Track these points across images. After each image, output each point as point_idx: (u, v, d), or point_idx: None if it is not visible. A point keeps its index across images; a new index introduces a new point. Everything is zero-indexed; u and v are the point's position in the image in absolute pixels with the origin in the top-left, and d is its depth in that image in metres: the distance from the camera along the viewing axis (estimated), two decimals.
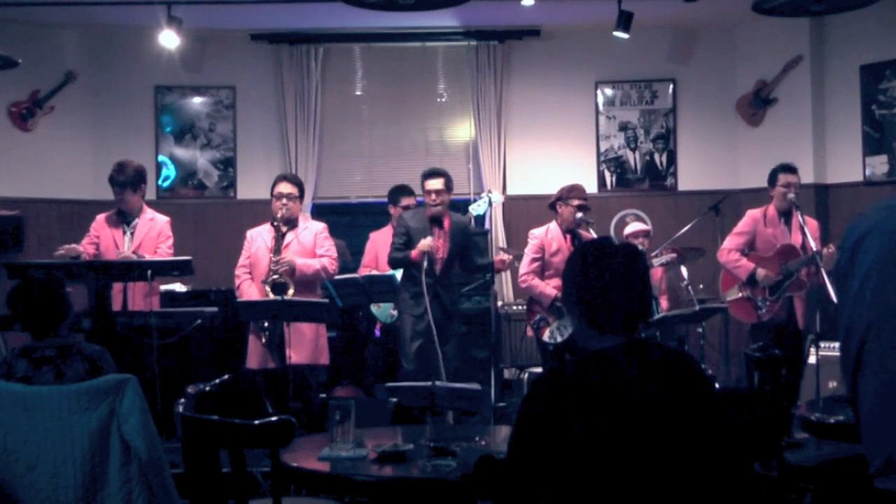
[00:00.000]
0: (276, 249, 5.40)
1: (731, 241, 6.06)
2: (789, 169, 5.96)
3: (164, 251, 5.56)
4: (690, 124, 7.99)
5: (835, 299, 5.34)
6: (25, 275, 4.43)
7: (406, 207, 6.28)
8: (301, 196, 5.63)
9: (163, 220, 5.70)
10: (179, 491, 3.06)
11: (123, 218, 5.61)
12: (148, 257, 5.42)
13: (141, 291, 5.42)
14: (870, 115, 7.25)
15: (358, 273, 6.30)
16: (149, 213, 5.68)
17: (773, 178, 5.97)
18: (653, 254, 6.35)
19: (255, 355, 5.43)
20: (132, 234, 5.57)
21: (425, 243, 5.66)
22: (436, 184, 5.79)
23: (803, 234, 5.73)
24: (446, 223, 5.83)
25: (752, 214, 6.05)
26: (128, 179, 5.52)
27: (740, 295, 6.00)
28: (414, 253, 5.68)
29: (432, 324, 5.57)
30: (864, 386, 1.89)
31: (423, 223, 5.80)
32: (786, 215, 5.96)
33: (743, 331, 7.07)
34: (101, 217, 5.68)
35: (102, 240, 5.57)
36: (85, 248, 5.53)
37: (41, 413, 2.93)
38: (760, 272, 5.87)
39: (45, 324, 3.43)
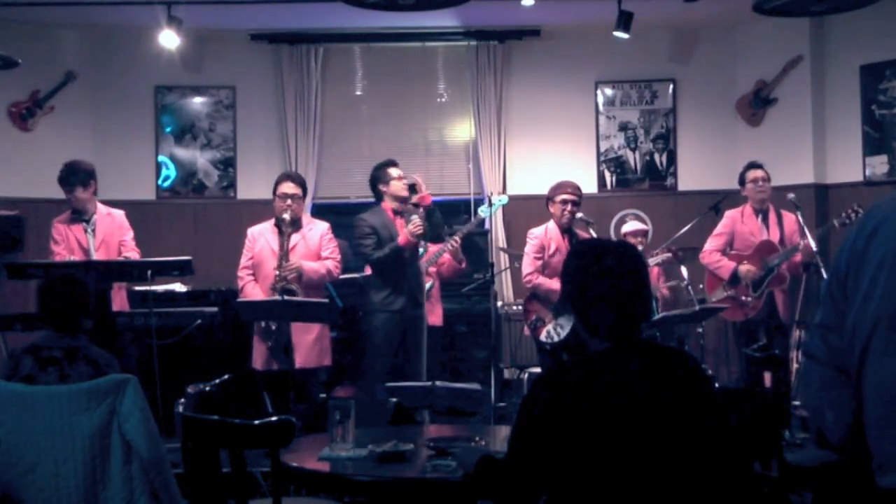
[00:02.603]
0: (284, 254, 5.30)
1: (711, 243, 6.27)
2: (754, 165, 6.23)
3: (129, 243, 5.58)
4: (690, 124, 7.99)
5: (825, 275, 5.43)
6: (35, 274, 4.48)
7: (416, 205, 6.12)
8: (304, 195, 5.57)
9: (119, 213, 5.71)
10: (179, 491, 3.06)
11: (80, 216, 5.57)
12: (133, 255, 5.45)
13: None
14: (870, 115, 7.25)
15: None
16: (103, 208, 5.66)
17: (741, 178, 6.25)
18: (649, 254, 6.36)
19: (259, 357, 5.37)
20: (93, 230, 5.54)
21: (415, 223, 5.43)
22: (399, 170, 5.66)
23: (781, 229, 5.91)
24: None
25: (730, 214, 6.29)
26: (78, 178, 5.48)
27: (725, 294, 6.15)
28: (402, 239, 5.43)
29: (425, 319, 5.52)
30: (867, 381, 1.89)
31: (385, 219, 5.58)
32: (763, 213, 6.17)
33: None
34: (58, 220, 5.63)
35: (67, 241, 5.52)
36: (59, 253, 5.48)
37: (42, 413, 2.93)
38: (742, 268, 6.06)
39: (75, 322, 3.46)
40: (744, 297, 6.05)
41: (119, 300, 5.52)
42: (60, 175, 5.53)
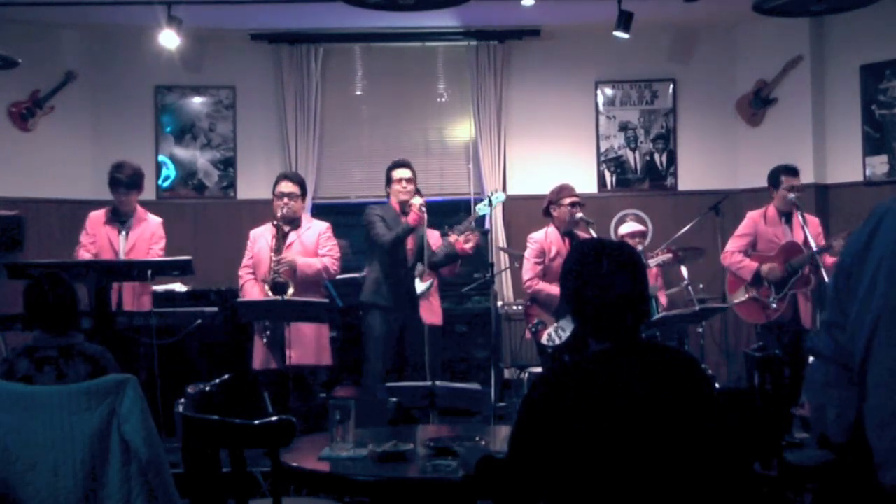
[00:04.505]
0: (278, 249, 5.37)
1: (733, 244, 6.07)
2: (793, 171, 5.97)
3: (155, 252, 5.55)
4: (690, 124, 7.99)
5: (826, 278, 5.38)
6: (31, 274, 4.47)
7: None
8: (303, 194, 5.60)
9: (156, 221, 5.69)
10: (179, 491, 3.06)
11: (118, 217, 5.59)
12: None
13: (133, 292, 5.41)
14: (870, 115, 7.25)
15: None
16: (142, 213, 5.68)
17: (775, 180, 5.97)
18: (649, 254, 6.35)
19: (258, 356, 5.41)
20: (127, 234, 5.55)
21: (417, 202, 5.54)
22: (407, 172, 5.74)
23: (805, 232, 5.75)
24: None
25: (752, 216, 6.07)
26: (131, 180, 5.53)
27: (747, 296, 5.99)
28: (412, 218, 5.51)
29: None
30: (872, 374, 1.89)
31: (392, 214, 5.69)
32: (786, 215, 5.98)
33: (743, 331, 7.08)
34: (95, 215, 5.65)
35: (98, 239, 5.55)
36: (86, 247, 5.53)
37: (42, 413, 2.93)
38: (765, 267, 5.88)
39: (65, 320, 3.46)
40: (767, 299, 5.91)
41: (146, 301, 5.53)
42: (115, 177, 5.52)
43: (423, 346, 5.48)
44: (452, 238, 5.78)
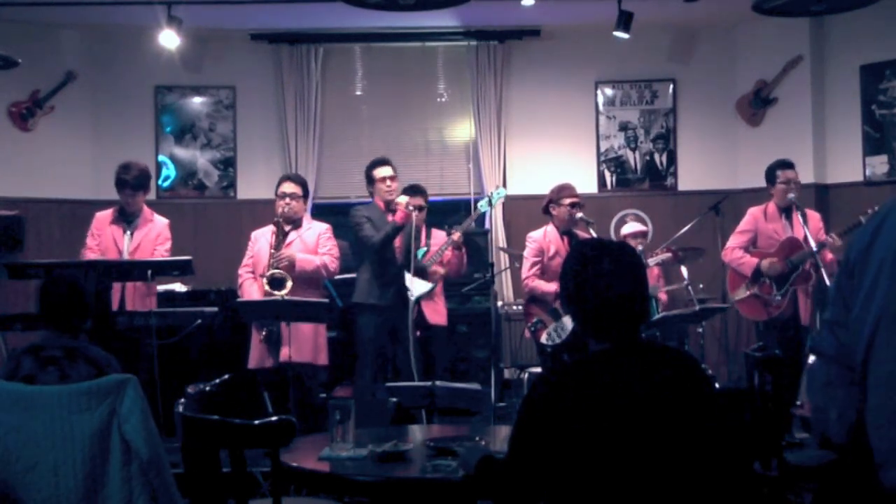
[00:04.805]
0: (277, 246, 5.39)
1: (733, 240, 6.10)
2: (787, 165, 6.01)
3: (160, 253, 5.54)
4: (690, 124, 7.99)
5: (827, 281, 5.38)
6: (31, 274, 4.47)
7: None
8: (305, 196, 5.63)
9: (162, 222, 5.69)
10: (179, 491, 3.06)
11: (125, 218, 5.60)
12: None
13: (138, 292, 5.42)
14: (870, 115, 7.25)
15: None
16: (149, 213, 5.68)
17: (771, 176, 6.01)
18: (648, 253, 6.34)
19: (254, 354, 5.43)
20: (132, 234, 5.56)
21: (403, 200, 5.55)
22: (389, 171, 5.76)
23: (804, 231, 5.75)
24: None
25: (753, 212, 6.10)
26: (138, 181, 5.53)
27: (748, 293, 6.00)
28: (399, 216, 5.53)
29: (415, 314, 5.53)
30: (872, 374, 1.89)
31: (378, 213, 5.71)
32: (786, 211, 5.99)
33: (743, 330, 7.08)
34: (101, 215, 5.66)
35: (103, 239, 5.56)
36: (91, 249, 5.53)
37: (42, 413, 2.93)
38: (765, 262, 5.88)
39: (72, 321, 3.47)
40: (769, 296, 5.90)
41: (151, 301, 5.54)
42: (122, 178, 5.51)
43: (410, 347, 5.48)
44: (456, 236, 5.79)
